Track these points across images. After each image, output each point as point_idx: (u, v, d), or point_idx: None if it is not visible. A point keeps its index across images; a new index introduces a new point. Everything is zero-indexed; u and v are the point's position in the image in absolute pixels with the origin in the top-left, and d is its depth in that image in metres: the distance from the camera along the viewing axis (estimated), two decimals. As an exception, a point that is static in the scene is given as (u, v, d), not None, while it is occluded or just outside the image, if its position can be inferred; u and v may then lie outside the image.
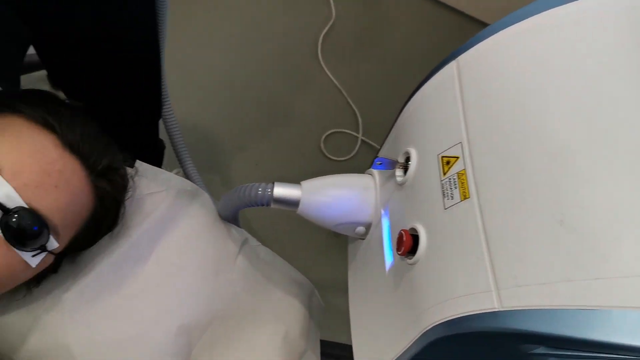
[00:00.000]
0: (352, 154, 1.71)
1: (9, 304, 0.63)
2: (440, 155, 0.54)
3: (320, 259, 1.54)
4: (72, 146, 0.59)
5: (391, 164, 0.59)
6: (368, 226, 0.66)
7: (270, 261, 0.78)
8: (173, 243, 0.71)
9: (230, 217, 0.76)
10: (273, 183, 0.66)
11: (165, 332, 0.66)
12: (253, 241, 0.78)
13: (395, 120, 0.66)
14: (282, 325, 0.73)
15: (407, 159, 0.58)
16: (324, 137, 1.71)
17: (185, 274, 0.70)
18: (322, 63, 1.84)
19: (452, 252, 0.49)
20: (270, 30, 1.89)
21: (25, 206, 0.54)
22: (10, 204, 0.53)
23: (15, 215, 0.53)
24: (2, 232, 0.53)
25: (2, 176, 0.53)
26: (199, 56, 1.77)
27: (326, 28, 1.90)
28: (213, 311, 0.69)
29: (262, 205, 0.67)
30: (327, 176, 0.68)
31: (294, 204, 0.66)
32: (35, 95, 0.62)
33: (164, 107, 1.13)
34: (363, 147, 1.73)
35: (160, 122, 1.18)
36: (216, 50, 1.81)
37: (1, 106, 0.60)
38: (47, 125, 0.58)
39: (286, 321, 0.74)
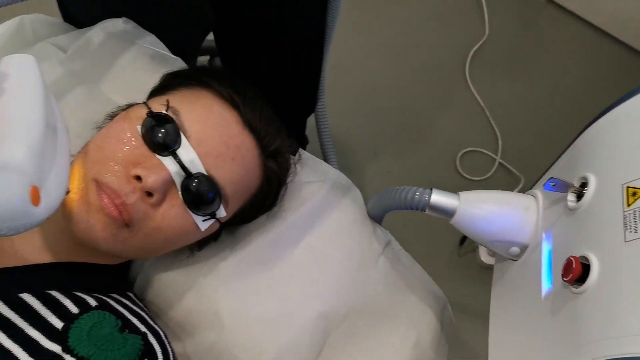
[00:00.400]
0: (487, 175, 1.66)
1: (172, 263, 0.69)
2: (625, 185, 0.51)
3: (440, 276, 1.51)
4: (250, 125, 0.63)
5: (565, 187, 0.57)
6: (524, 248, 0.64)
7: (410, 267, 0.78)
8: (323, 232, 0.73)
9: (378, 217, 0.77)
10: (431, 189, 0.66)
11: (308, 316, 0.68)
12: (395, 244, 0.79)
13: (572, 142, 0.63)
14: (415, 332, 0.72)
15: (583, 185, 0.56)
16: (460, 154, 1.68)
17: (331, 263, 0.72)
18: (468, 79, 1.81)
19: (630, 286, 0.46)
20: (420, 40, 1.89)
21: (205, 173, 0.58)
22: (193, 169, 0.58)
23: (196, 180, 0.58)
24: (182, 194, 0.58)
25: (190, 143, 0.58)
26: (347, 58, 1.81)
27: (478, 44, 1.86)
28: (352, 304, 0.70)
29: (417, 209, 0.67)
30: (486, 190, 0.67)
31: (449, 213, 0.65)
32: (224, 73, 0.67)
33: (318, 103, 1.17)
34: (500, 170, 1.68)
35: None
36: (364, 54, 1.84)
37: (193, 80, 0.65)
38: (232, 101, 0.63)
39: (419, 329, 0.73)
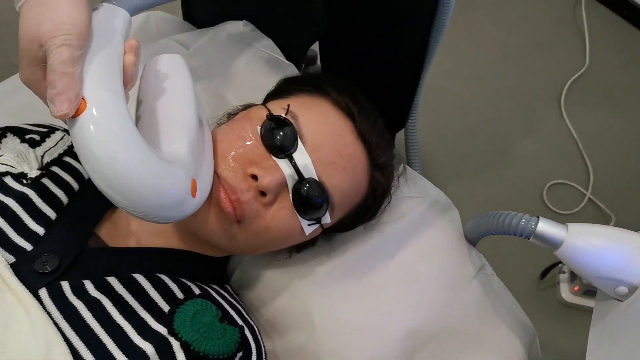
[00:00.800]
0: (574, 210, 1.60)
1: (270, 262, 0.70)
2: None
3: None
4: (363, 135, 0.64)
5: (690, 230, 0.54)
6: (633, 288, 0.61)
7: (501, 294, 0.76)
8: (419, 248, 0.73)
9: (475, 240, 0.76)
10: (538, 217, 0.65)
11: (396, 330, 0.67)
12: (489, 269, 0.77)
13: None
14: (503, 362, 0.70)
15: None
16: (548, 185, 1.62)
17: (425, 280, 0.71)
18: (562, 109, 1.76)
19: None
20: (517, 65, 1.85)
21: (317, 179, 0.59)
22: (306, 174, 0.59)
23: (307, 185, 0.59)
24: (292, 197, 0.59)
25: (305, 148, 0.59)
26: (439, 78, 1.79)
27: (576, 74, 1.81)
28: (442, 324, 0.70)
29: (521, 236, 0.65)
30: (597, 225, 0.64)
31: (556, 244, 0.63)
32: (341, 82, 0.68)
33: (410, 120, 1.17)
34: (588, 206, 1.61)
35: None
36: (458, 75, 1.82)
37: (311, 86, 0.66)
38: (348, 111, 0.63)
39: (507, 359, 0.71)
